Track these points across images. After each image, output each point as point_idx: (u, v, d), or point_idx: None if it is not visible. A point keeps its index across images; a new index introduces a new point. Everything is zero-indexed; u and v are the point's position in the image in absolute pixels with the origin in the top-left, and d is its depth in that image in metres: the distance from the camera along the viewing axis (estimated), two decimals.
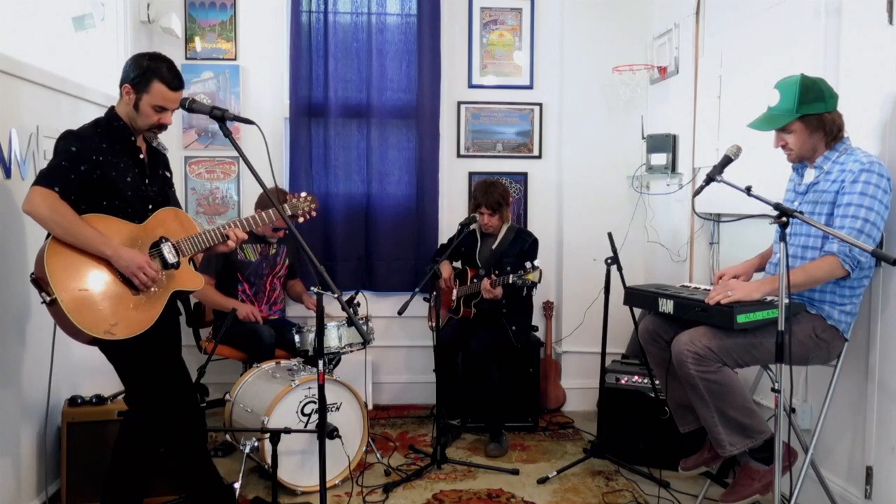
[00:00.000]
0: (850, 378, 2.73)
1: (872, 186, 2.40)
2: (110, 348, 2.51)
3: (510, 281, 3.66)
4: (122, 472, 2.62)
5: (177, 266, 2.58)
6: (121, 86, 2.53)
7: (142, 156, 2.60)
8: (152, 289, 2.49)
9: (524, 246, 4.02)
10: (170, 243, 2.57)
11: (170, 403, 2.60)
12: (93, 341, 2.43)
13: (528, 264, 3.65)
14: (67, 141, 2.44)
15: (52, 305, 2.32)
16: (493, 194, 3.97)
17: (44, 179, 2.36)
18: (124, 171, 2.51)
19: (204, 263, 3.88)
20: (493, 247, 4.06)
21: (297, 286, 4.26)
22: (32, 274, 2.38)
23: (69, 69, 3.36)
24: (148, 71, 2.48)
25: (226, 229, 2.70)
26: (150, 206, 2.59)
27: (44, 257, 2.33)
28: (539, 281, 3.65)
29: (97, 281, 2.40)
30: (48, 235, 2.39)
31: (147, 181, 2.60)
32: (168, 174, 2.75)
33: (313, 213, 3.13)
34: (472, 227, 3.96)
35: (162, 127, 2.57)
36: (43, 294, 2.33)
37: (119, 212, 2.49)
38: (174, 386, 2.64)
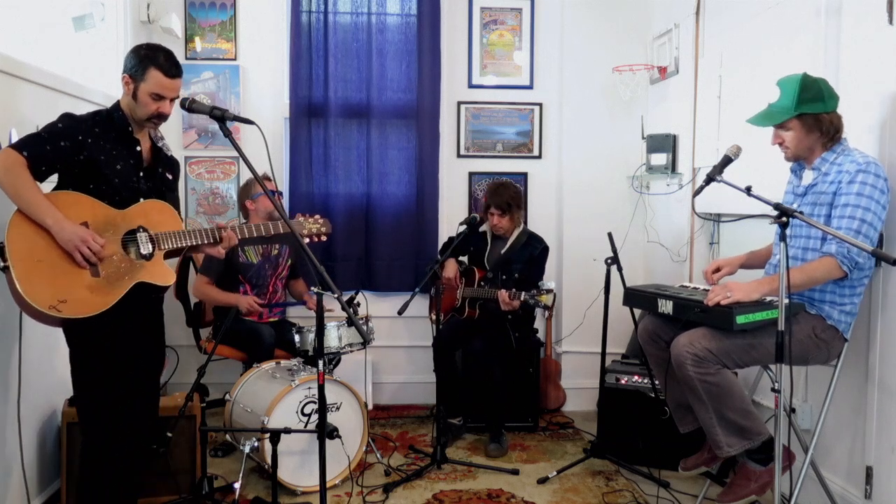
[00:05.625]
0: (850, 378, 2.73)
1: (869, 187, 2.40)
2: (74, 338, 2.48)
3: (522, 298, 3.63)
4: (89, 483, 2.54)
5: (149, 258, 2.53)
6: (122, 78, 2.55)
7: (139, 148, 2.59)
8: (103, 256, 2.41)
9: (534, 252, 3.99)
10: (147, 233, 2.53)
11: (115, 424, 2.50)
12: (60, 324, 2.41)
13: (542, 285, 3.62)
14: (59, 119, 2.47)
15: (7, 272, 2.30)
16: (503, 195, 3.93)
17: (17, 144, 2.38)
18: (115, 159, 2.50)
19: (205, 264, 3.88)
20: (503, 250, 4.02)
21: (300, 286, 4.25)
22: None
23: (69, 69, 3.36)
24: (144, 59, 2.50)
25: (220, 232, 2.66)
26: (141, 200, 2.57)
27: (8, 223, 2.31)
28: (552, 305, 3.63)
29: (56, 255, 2.34)
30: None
31: (141, 174, 2.58)
32: (169, 176, 2.72)
33: (323, 238, 3.04)
34: (483, 228, 3.92)
35: (162, 117, 2.56)
36: (1, 260, 2.31)
37: (105, 197, 2.47)
38: (128, 408, 2.53)
